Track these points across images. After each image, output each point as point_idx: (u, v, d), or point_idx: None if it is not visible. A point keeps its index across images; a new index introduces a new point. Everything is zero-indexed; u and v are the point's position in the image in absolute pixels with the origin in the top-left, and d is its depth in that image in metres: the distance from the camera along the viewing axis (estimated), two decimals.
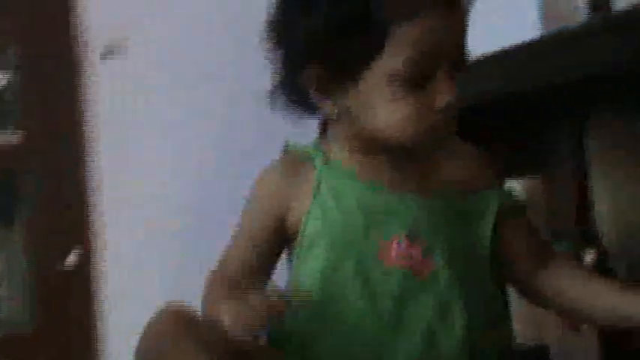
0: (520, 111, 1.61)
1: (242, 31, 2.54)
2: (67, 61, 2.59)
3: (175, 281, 2.50)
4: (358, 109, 1.14)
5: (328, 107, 1.16)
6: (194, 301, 1.18)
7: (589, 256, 1.51)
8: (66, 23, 2.59)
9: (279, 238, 1.22)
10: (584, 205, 1.67)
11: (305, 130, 1.32)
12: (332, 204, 1.17)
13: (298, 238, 1.19)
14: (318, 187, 1.18)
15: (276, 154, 1.27)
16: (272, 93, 1.20)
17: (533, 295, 1.26)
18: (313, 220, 1.17)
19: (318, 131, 1.32)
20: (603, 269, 1.44)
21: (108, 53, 2.60)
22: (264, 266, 1.22)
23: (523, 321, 1.56)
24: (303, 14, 1.12)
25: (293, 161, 1.23)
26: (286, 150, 1.25)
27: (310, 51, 1.12)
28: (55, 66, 2.60)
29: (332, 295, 1.15)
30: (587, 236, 1.65)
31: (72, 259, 2.57)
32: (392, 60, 1.09)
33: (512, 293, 1.52)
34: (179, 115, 2.59)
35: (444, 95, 1.11)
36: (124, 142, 2.58)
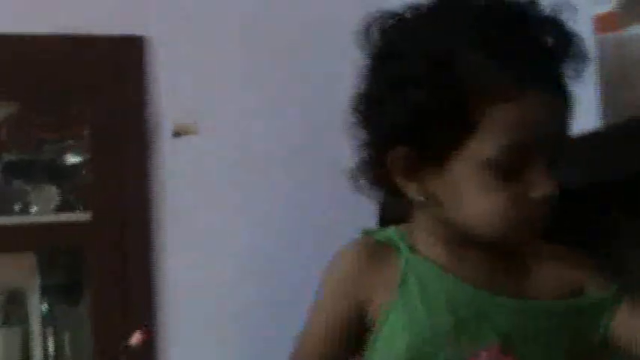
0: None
1: (310, 116, 2.58)
2: (138, 144, 2.63)
3: None
4: (445, 196, 1.04)
5: (413, 192, 1.06)
6: None
7: None
8: (139, 107, 2.63)
9: (358, 329, 1.10)
10: None
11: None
12: (418, 299, 1.05)
13: (376, 328, 1.07)
14: (405, 278, 1.07)
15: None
16: (354, 172, 1.11)
17: None
18: (396, 313, 1.06)
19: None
20: None
21: (179, 134, 2.64)
22: (341, 356, 1.12)
23: None
24: (393, 92, 1.03)
25: (375, 246, 1.11)
26: (365, 234, 1.15)
27: (398, 131, 1.04)
28: (126, 148, 2.64)
29: None
30: None
31: (135, 339, 2.56)
32: (485, 146, 0.99)
33: None
34: (246, 198, 2.60)
35: (540, 187, 1.00)
36: (191, 224, 2.59)
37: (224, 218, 2.59)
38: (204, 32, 2.63)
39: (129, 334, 2.56)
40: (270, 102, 2.62)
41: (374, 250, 1.11)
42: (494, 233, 1.03)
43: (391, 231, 1.13)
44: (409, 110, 1.01)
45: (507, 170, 1.00)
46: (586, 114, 1.24)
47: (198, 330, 2.54)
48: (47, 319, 2.82)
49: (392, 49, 1.05)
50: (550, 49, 1.02)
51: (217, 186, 2.60)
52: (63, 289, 2.88)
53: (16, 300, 2.83)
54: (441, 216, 1.07)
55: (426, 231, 1.10)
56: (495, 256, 1.08)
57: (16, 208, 2.72)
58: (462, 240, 1.07)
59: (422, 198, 1.06)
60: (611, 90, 1.34)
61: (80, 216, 2.71)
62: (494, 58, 0.98)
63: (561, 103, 1.03)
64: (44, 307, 2.82)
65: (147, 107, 2.63)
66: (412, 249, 1.09)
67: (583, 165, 1.29)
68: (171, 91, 2.63)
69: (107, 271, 2.63)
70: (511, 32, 0.99)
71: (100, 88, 2.63)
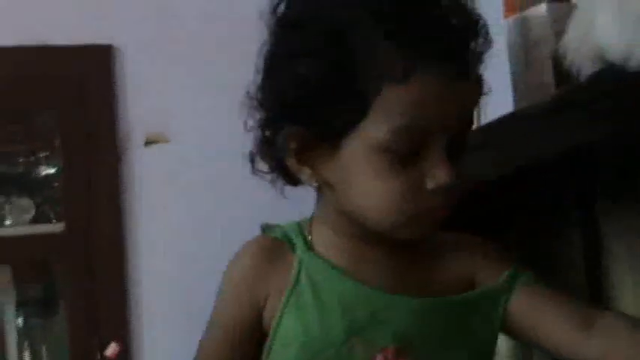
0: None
1: None
2: (110, 153, 2.62)
3: None
4: (337, 182, 0.97)
5: (306, 177, 0.98)
6: None
7: None
8: (109, 117, 2.62)
9: (258, 332, 1.03)
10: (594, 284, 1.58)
11: None
12: (310, 302, 0.99)
13: (271, 333, 1.01)
14: (298, 277, 1.00)
15: None
16: (252, 156, 1.03)
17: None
18: (289, 317, 1.00)
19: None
20: None
21: (150, 143, 2.63)
22: None
23: None
24: (285, 64, 0.96)
25: (271, 244, 1.04)
26: (264, 231, 1.08)
27: (288, 108, 0.96)
28: (97, 158, 2.63)
29: None
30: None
31: (111, 350, 2.55)
32: (377, 128, 0.91)
33: None
34: (219, 203, 2.59)
35: (437, 176, 0.92)
36: (164, 232, 2.58)
37: (197, 226, 2.58)
38: (170, 40, 2.62)
39: (104, 345, 2.55)
40: (239, 105, 2.61)
41: (270, 249, 1.04)
42: (386, 224, 0.96)
43: (290, 227, 1.06)
44: (298, 85, 0.94)
45: (401, 156, 0.92)
46: (502, 99, 1.20)
47: (172, 339, 2.52)
48: (23, 333, 2.80)
49: (290, 18, 0.98)
50: (452, 30, 0.94)
51: (189, 193, 2.59)
52: (38, 302, 2.87)
53: None
54: (338, 207, 1.00)
55: (326, 224, 1.03)
56: (398, 252, 1.02)
57: None
58: (361, 234, 1.00)
59: (315, 184, 0.99)
60: (519, 73, 1.31)
61: (55, 227, 2.70)
62: (390, 35, 0.91)
63: (463, 86, 0.94)
64: (20, 320, 2.81)
65: (117, 116, 2.62)
66: (309, 246, 1.03)
67: (494, 151, 1.24)
68: (141, 100, 2.62)
69: (80, 282, 2.62)
70: (410, 10, 0.92)
71: (69, 98, 2.62)
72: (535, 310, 1.03)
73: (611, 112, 1.04)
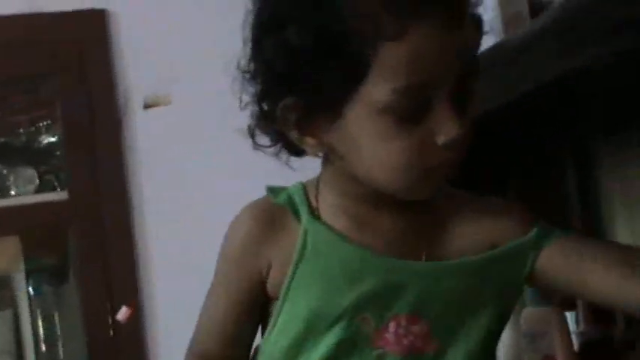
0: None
1: None
2: (110, 118, 2.62)
3: None
4: (344, 149, 0.94)
5: (310, 147, 0.95)
6: None
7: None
8: (108, 82, 2.62)
9: (260, 300, 1.01)
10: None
11: None
12: (317, 273, 0.96)
13: (277, 304, 0.98)
14: (303, 250, 0.97)
15: None
16: (251, 130, 0.99)
17: (629, 305, 0.98)
18: (294, 290, 0.97)
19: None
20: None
21: (150, 106, 2.62)
22: (245, 333, 1.03)
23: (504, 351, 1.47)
24: (273, 34, 0.92)
25: (273, 210, 1.00)
26: (268, 193, 1.03)
27: (282, 79, 0.92)
28: (98, 124, 2.63)
29: None
30: None
31: (123, 314, 2.56)
32: (378, 90, 0.88)
33: None
34: (225, 165, 2.59)
35: (446, 130, 0.89)
36: (168, 195, 2.59)
37: (203, 185, 2.58)
38: (167, 2, 2.60)
39: (116, 310, 2.57)
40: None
41: (272, 216, 1.00)
42: (398, 185, 0.93)
43: (295, 190, 1.02)
44: (288, 54, 0.90)
45: (407, 115, 0.89)
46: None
47: (184, 300, 2.52)
48: (35, 301, 2.82)
49: None
50: None
51: (193, 153, 2.59)
52: (49, 270, 2.88)
53: (3, 285, 2.84)
54: (345, 171, 0.97)
55: (334, 189, 1.00)
56: (407, 215, 0.98)
57: None
58: (370, 198, 0.97)
59: (320, 153, 0.97)
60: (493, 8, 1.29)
61: (60, 195, 2.71)
62: None
63: (460, 33, 0.89)
64: (31, 289, 2.82)
65: (115, 81, 2.62)
66: (314, 213, 0.99)
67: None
68: (140, 64, 2.61)
69: (89, 248, 2.63)
70: None
71: (67, 64, 2.61)
72: (570, 263, 0.98)
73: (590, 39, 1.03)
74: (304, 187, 1.02)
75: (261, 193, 2.40)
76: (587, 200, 1.55)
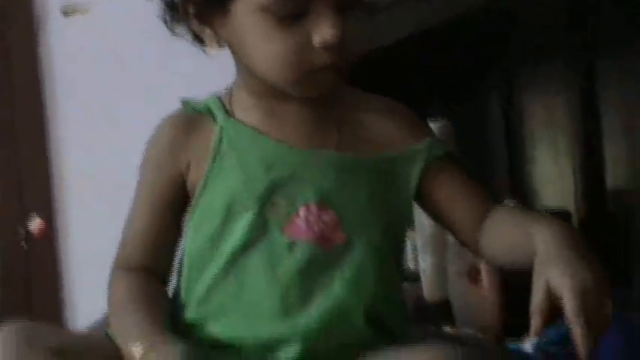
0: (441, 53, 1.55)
1: None
2: (26, 24, 2.56)
3: None
4: (234, 43, 1.02)
5: (207, 38, 1.04)
6: None
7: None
8: None
9: (182, 205, 1.07)
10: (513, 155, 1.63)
11: None
12: (233, 163, 1.03)
13: (196, 197, 1.05)
14: (219, 144, 1.04)
15: None
16: (164, 20, 1.06)
17: (472, 250, 1.09)
18: (213, 179, 1.04)
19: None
20: None
21: (70, 12, 2.56)
22: (168, 242, 1.08)
23: (429, 278, 1.53)
24: None
25: (191, 115, 1.08)
26: (184, 105, 1.11)
27: None
28: (14, 29, 2.56)
29: (229, 266, 1.02)
30: (513, 184, 1.65)
31: (35, 225, 2.54)
32: None
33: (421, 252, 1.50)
34: (145, 74, 2.55)
35: (322, 32, 0.95)
36: (84, 103, 2.55)
37: (117, 97, 2.54)
38: None
39: (27, 220, 2.54)
40: None
41: (190, 119, 1.08)
42: (282, 82, 1.00)
43: (211, 99, 1.09)
44: None
45: (286, 16, 0.96)
46: None
47: (97, 215, 2.51)
48: None
49: None
50: None
51: (108, 64, 2.54)
52: None
53: None
54: (248, 68, 1.03)
55: (243, 87, 1.07)
56: (316, 110, 1.05)
57: None
58: (278, 94, 1.04)
59: (215, 45, 1.04)
60: None
61: None
62: None
63: None
64: None
65: None
66: (228, 113, 1.07)
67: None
68: None
69: (1, 162, 2.58)
70: None
71: None
72: (442, 189, 1.06)
73: None
74: (218, 97, 1.09)
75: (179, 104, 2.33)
76: (510, 123, 1.60)
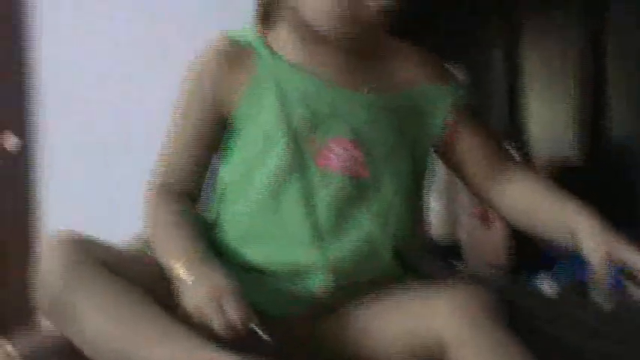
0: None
1: None
2: None
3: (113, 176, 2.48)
4: None
5: None
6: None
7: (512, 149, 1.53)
8: None
9: (221, 132, 1.12)
10: (513, 103, 1.68)
11: None
12: (274, 95, 1.08)
13: (236, 125, 1.11)
14: (261, 78, 1.09)
15: None
16: None
17: (483, 200, 1.17)
18: (254, 110, 1.09)
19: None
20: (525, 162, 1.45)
21: None
22: (203, 167, 1.14)
23: (439, 219, 1.59)
24: None
25: (231, 47, 1.12)
26: (223, 35, 1.14)
27: None
28: None
29: (266, 194, 1.08)
30: (513, 131, 1.70)
31: (9, 141, 2.52)
32: None
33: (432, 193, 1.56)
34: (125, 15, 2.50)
35: None
36: (65, 35, 2.51)
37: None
38: None
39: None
40: None
41: (231, 51, 1.11)
42: (329, 28, 1.05)
43: (249, 32, 1.13)
44: None
45: None
46: None
47: (73, 132, 2.50)
48: None
49: None
50: None
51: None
52: None
53: None
54: (298, 14, 1.08)
55: (286, 28, 1.11)
56: (352, 52, 1.10)
57: None
58: (316, 37, 1.08)
59: None
60: None
61: None
62: None
63: None
64: None
65: None
66: (269, 48, 1.11)
67: None
68: None
69: None
70: None
71: None
72: (462, 136, 1.14)
73: None
74: (255, 31, 1.13)
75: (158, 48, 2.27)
76: (510, 74, 1.64)
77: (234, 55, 1.11)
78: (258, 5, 1.11)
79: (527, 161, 1.52)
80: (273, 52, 1.10)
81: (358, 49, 1.10)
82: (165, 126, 1.15)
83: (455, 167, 1.16)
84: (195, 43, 1.14)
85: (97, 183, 2.43)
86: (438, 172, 1.50)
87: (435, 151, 1.15)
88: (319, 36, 1.08)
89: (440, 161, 1.19)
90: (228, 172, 1.11)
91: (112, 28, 2.45)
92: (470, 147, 1.14)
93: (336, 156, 1.08)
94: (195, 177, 1.13)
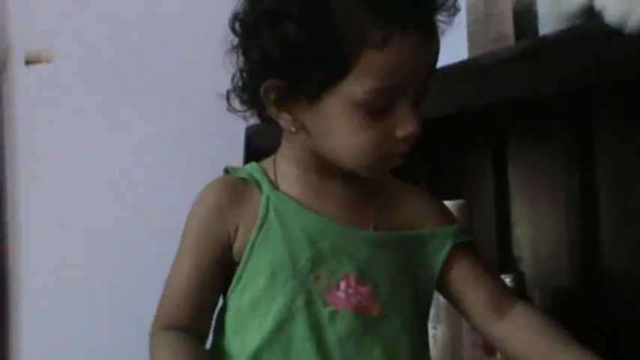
0: (442, 133, 1.61)
1: (167, 36, 2.48)
2: None
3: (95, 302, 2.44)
4: (316, 130, 1.07)
5: (285, 122, 1.08)
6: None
7: (507, 281, 1.51)
8: None
9: (225, 268, 1.12)
10: (504, 229, 1.71)
11: None
12: (279, 235, 1.09)
13: (240, 265, 1.10)
14: (266, 213, 1.10)
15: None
16: (229, 94, 1.12)
17: (484, 335, 1.19)
18: (259, 249, 1.09)
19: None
20: (521, 295, 1.43)
21: (32, 60, 2.51)
22: (211, 302, 1.13)
23: (443, 349, 1.57)
24: (270, 24, 1.04)
25: (236, 183, 1.13)
26: (227, 172, 1.16)
27: (271, 64, 1.05)
28: None
29: (274, 335, 1.08)
30: (506, 261, 1.70)
31: None
32: (356, 87, 1.02)
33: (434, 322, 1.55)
34: (103, 127, 2.51)
35: (406, 126, 1.04)
36: (44, 156, 2.50)
37: (79, 150, 2.50)
38: None
39: None
40: (126, 25, 2.52)
41: (235, 187, 1.13)
42: (359, 166, 1.07)
43: (253, 167, 1.15)
44: (282, 45, 1.03)
45: (376, 110, 1.03)
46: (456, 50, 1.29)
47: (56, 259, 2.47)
48: None
49: None
50: None
51: (73, 115, 2.50)
52: None
53: None
54: (309, 145, 1.10)
55: (291, 162, 1.13)
56: (357, 188, 1.13)
57: None
58: (322, 170, 1.11)
59: (293, 129, 1.08)
60: (477, 24, 1.35)
61: None
62: (367, 4, 1.00)
63: (431, 46, 1.05)
64: None
65: None
66: (273, 185, 1.13)
67: (447, 94, 1.35)
68: (22, 16, 2.50)
69: None
70: None
71: None
72: (462, 272, 1.15)
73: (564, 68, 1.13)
74: (260, 165, 1.16)
75: (142, 152, 2.34)
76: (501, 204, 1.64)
77: (235, 186, 1.13)
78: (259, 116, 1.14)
79: (523, 293, 1.53)
80: (274, 187, 1.12)
81: (360, 182, 1.12)
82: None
83: (455, 302, 1.18)
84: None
85: None
86: (440, 299, 1.46)
87: (436, 286, 1.17)
88: (323, 169, 1.11)
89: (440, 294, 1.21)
90: (233, 309, 1.11)
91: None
92: (468, 279, 1.16)
93: (344, 294, 1.09)
94: (201, 312, 1.12)
